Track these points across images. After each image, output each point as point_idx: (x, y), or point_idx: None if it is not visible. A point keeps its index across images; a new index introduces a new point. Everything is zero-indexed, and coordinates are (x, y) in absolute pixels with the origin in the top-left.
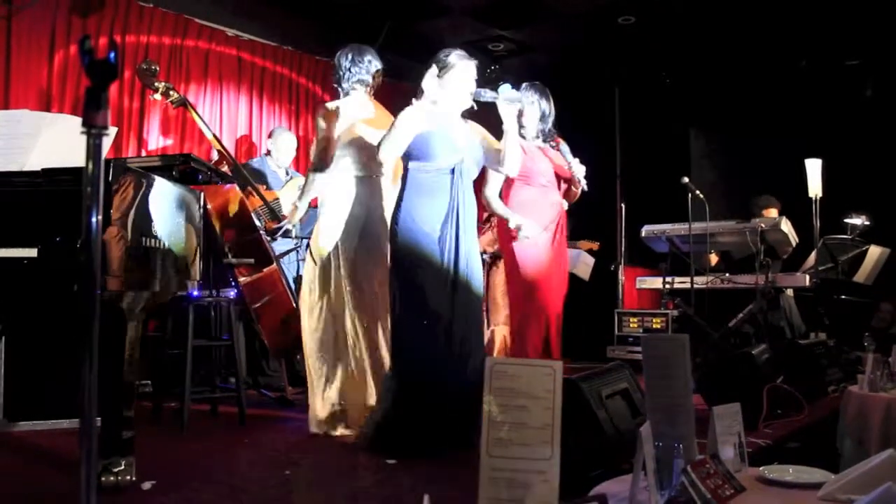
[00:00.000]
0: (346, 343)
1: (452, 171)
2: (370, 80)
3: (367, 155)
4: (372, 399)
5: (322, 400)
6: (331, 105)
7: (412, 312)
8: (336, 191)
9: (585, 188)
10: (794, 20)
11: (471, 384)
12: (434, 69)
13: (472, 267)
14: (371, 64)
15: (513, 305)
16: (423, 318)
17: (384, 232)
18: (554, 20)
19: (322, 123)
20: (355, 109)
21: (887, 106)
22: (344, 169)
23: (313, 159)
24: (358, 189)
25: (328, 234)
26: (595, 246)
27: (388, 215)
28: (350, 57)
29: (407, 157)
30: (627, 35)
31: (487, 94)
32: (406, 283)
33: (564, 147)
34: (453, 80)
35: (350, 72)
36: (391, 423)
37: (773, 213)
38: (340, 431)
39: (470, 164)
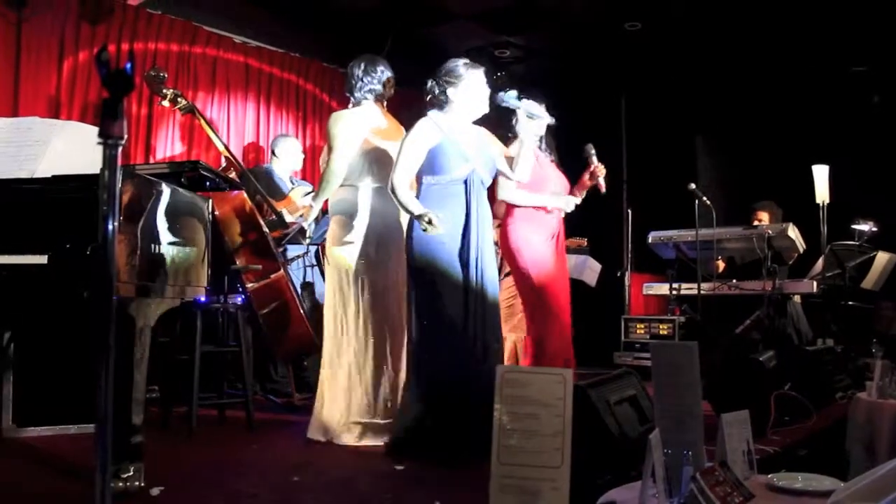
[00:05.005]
0: (364, 351)
1: (465, 181)
2: (382, 91)
3: (381, 166)
4: (385, 408)
5: (335, 407)
6: (342, 113)
7: (433, 323)
8: (353, 201)
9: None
10: (801, 26)
11: (492, 392)
12: (445, 83)
13: (490, 275)
14: (383, 74)
15: (529, 316)
16: (444, 328)
17: (401, 241)
18: (560, 26)
19: (334, 130)
20: (367, 119)
21: (894, 112)
22: (360, 179)
23: (329, 165)
24: (374, 199)
25: (346, 244)
26: (583, 243)
27: (404, 223)
28: (363, 67)
29: (420, 171)
30: (634, 41)
31: (511, 101)
32: (426, 295)
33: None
34: (465, 90)
35: (363, 81)
36: (422, 431)
37: (763, 216)
38: (352, 440)
39: (483, 172)
